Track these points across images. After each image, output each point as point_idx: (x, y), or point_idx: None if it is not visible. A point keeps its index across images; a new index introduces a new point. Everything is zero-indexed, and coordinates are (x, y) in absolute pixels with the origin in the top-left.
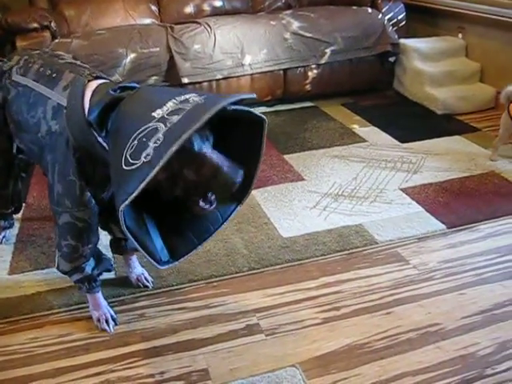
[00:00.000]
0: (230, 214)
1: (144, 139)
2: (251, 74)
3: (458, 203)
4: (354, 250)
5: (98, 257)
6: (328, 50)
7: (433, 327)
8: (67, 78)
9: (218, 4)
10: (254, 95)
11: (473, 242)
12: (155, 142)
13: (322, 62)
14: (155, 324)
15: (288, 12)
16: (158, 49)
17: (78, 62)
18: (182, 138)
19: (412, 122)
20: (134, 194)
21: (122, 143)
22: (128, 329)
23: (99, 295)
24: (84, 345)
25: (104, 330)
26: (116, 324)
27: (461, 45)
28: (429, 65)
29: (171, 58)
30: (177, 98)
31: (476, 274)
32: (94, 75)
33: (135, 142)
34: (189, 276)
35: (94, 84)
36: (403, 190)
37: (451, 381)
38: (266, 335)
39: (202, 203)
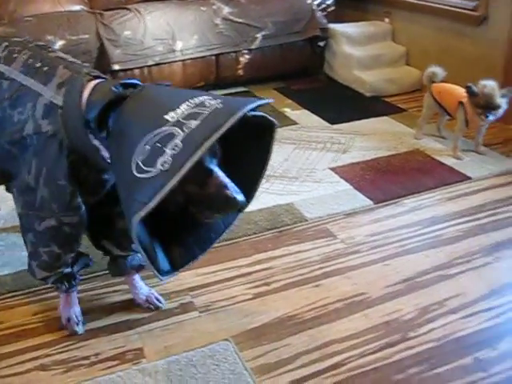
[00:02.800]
0: (232, 221)
1: (158, 145)
2: (183, 60)
3: (384, 180)
4: (284, 228)
5: (76, 252)
6: (259, 35)
7: (359, 297)
8: (62, 74)
9: None
10: (272, 100)
11: (397, 216)
12: (173, 149)
13: (253, 47)
14: (90, 307)
15: None
16: (87, 36)
17: (70, 58)
18: (204, 146)
19: (342, 104)
20: (152, 206)
21: (129, 147)
22: None
23: (75, 294)
24: (18, 331)
25: (74, 333)
26: (84, 324)
27: (387, 29)
28: (357, 49)
29: (101, 44)
30: (191, 101)
31: (400, 245)
32: (94, 74)
33: (147, 146)
34: None
35: (92, 84)
36: (332, 169)
37: (376, 345)
38: (200, 312)
39: (205, 213)
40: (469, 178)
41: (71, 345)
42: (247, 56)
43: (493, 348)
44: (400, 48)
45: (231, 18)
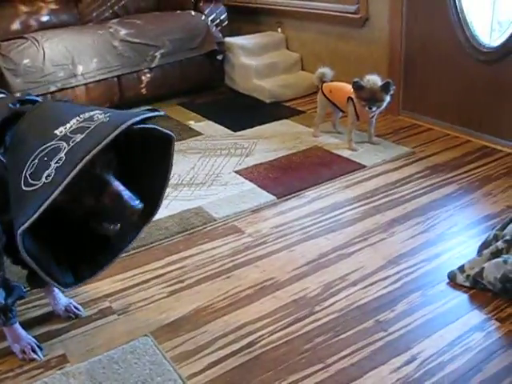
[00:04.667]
0: (137, 233)
1: (45, 158)
2: (86, 84)
3: (286, 177)
4: (194, 230)
5: (7, 285)
6: (157, 54)
7: (268, 282)
8: None
9: (45, 19)
10: (163, 113)
11: (300, 207)
12: (57, 162)
13: (154, 65)
14: None
15: (115, 21)
16: None
17: None
18: (85, 159)
19: (244, 112)
20: (34, 217)
21: (21, 162)
22: None
23: (17, 326)
24: None
25: (33, 360)
26: (42, 349)
27: (281, 38)
28: (254, 59)
29: (1, 74)
30: (81, 116)
31: (303, 232)
32: None
33: (36, 160)
34: None
35: None
36: (237, 172)
37: (285, 321)
38: (118, 315)
39: (105, 224)
40: (364, 167)
41: None
42: (148, 75)
43: (391, 310)
44: (294, 55)
45: (129, 39)
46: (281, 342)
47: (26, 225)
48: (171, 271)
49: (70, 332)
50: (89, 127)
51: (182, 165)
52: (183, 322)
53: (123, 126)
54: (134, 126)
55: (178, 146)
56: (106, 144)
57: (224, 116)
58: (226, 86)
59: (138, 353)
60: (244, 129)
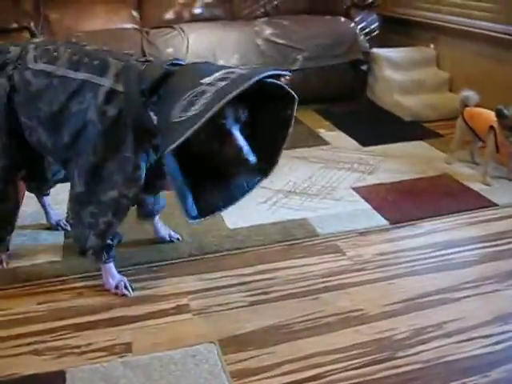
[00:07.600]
0: (255, 184)
1: (194, 98)
2: None
3: (405, 202)
4: (294, 242)
5: (115, 230)
6: (300, 57)
7: (354, 313)
8: (116, 65)
9: (198, 11)
10: (289, 72)
11: (412, 238)
12: (205, 99)
13: (295, 68)
14: (92, 302)
15: (262, 20)
16: (132, 52)
17: (105, 48)
18: (231, 94)
19: (378, 127)
20: (182, 139)
21: (171, 104)
22: (65, 305)
23: (113, 265)
24: (22, 318)
25: (124, 295)
26: (133, 289)
27: (432, 55)
28: (399, 73)
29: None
30: (224, 70)
31: (409, 266)
32: (141, 60)
33: (185, 102)
34: (131, 260)
35: (144, 67)
36: (355, 188)
37: (361, 361)
38: (193, 315)
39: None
40: (495, 205)
41: (67, 334)
42: (288, 77)
43: (484, 375)
44: (443, 74)
45: (273, 39)
46: (351, 382)
47: (174, 145)
48: (259, 280)
49: (142, 321)
50: (230, 77)
51: (300, 172)
52: (254, 336)
53: (261, 75)
54: (267, 80)
55: (301, 152)
56: (246, 88)
57: (356, 128)
58: (366, 98)
59: (199, 359)
60: (374, 144)
